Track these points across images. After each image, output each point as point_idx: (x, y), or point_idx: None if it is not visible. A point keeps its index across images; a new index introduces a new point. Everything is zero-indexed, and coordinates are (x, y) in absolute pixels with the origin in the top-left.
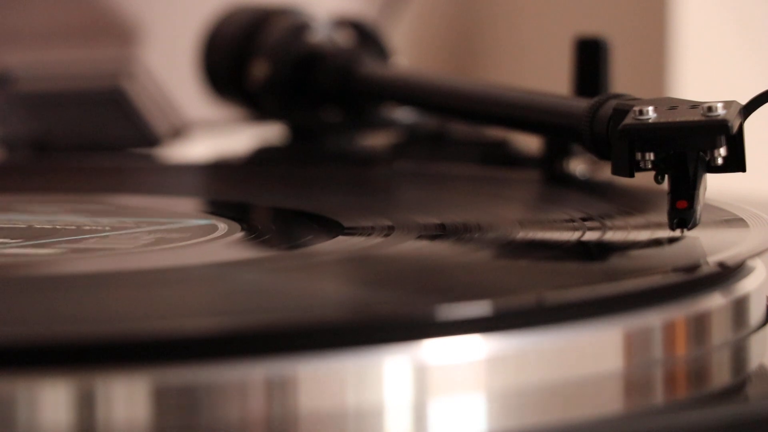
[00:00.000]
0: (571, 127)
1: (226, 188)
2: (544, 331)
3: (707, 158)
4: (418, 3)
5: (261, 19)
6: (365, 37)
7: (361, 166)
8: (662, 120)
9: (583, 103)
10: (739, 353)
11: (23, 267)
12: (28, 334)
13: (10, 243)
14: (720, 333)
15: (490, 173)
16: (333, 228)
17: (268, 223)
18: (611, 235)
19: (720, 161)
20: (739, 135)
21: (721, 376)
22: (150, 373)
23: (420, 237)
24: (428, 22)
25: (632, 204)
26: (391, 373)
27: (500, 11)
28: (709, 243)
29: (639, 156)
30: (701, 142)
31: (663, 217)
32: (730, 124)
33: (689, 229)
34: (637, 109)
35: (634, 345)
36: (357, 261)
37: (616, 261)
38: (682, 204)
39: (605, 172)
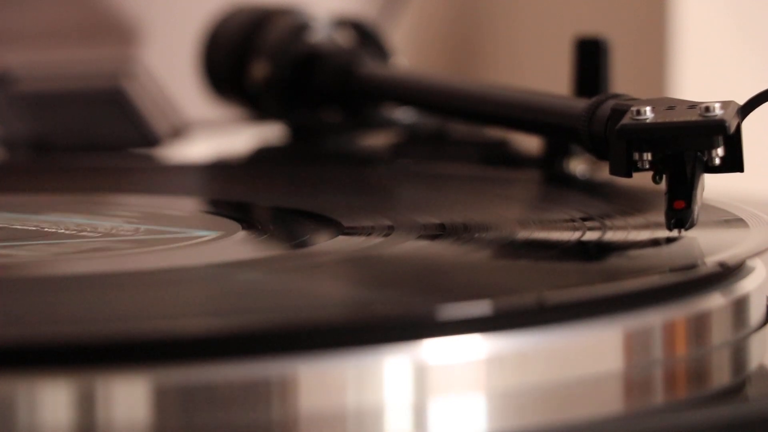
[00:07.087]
0: (570, 127)
1: (226, 188)
2: (544, 331)
3: (705, 158)
4: (418, 3)
5: (261, 19)
6: (365, 37)
7: (361, 166)
8: (660, 120)
9: (581, 103)
10: (739, 353)
11: (23, 267)
12: (28, 334)
13: (10, 243)
14: (720, 333)
15: (490, 173)
16: (333, 228)
17: (268, 223)
18: (611, 235)
19: (718, 161)
20: (737, 135)
21: (721, 376)
22: (150, 373)
23: (420, 237)
24: (428, 22)
25: (632, 204)
26: (392, 373)
27: (500, 11)
28: (708, 243)
29: (637, 156)
30: (699, 142)
31: (663, 217)
32: (727, 124)
33: (686, 230)
34: (634, 109)
35: (634, 345)
36: (357, 261)
37: (616, 261)
38: (679, 204)
39: (605, 172)
